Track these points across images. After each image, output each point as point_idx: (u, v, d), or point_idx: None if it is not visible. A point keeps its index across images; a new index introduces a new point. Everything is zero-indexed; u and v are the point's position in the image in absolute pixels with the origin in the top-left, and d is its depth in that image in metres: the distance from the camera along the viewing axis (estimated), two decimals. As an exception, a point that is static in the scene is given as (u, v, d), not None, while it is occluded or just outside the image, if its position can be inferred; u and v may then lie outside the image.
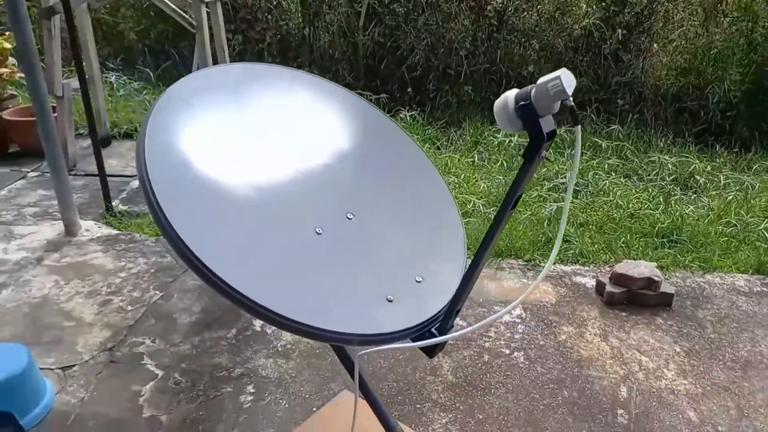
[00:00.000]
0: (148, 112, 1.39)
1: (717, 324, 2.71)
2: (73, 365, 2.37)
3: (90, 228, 3.46)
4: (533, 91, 1.07)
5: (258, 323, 2.60)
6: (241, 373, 2.33)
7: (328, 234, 1.46)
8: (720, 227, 3.49)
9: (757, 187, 4.10)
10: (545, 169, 4.10)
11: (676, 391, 2.30)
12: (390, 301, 1.42)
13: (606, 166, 4.33)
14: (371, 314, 1.37)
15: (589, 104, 5.15)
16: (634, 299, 2.79)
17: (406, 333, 1.38)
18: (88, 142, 4.72)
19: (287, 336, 2.51)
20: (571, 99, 1.03)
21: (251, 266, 1.30)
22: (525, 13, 5.53)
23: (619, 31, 5.13)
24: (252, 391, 2.24)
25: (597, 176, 4.13)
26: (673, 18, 5.45)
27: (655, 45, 5.35)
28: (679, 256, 3.21)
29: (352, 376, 1.60)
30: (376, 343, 1.34)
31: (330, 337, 1.29)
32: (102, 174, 3.60)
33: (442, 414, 2.17)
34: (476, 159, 4.32)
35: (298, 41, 5.83)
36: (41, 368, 2.28)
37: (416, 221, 1.66)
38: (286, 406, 2.18)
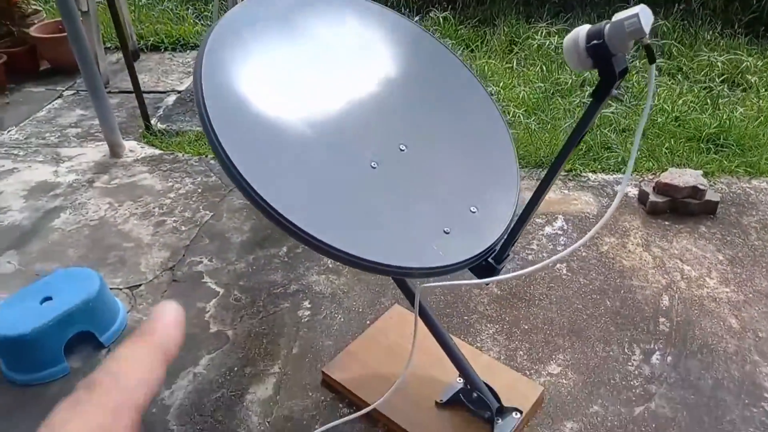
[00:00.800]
0: (200, 47, 1.38)
1: (761, 231, 2.71)
2: (140, 285, 2.52)
3: (134, 149, 3.53)
4: (607, 28, 1.02)
5: (307, 241, 2.70)
6: (297, 289, 2.46)
7: (383, 167, 1.48)
8: (770, 129, 3.39)
9: (811, 83, 3.90)
10: (588, 73, 3.95)
11: (717, 299, 2.36)
12: (447, 233, 1.46)
13: (650, 64, 4.14)
14: (430, 246, 1.42)
15: (634, -5, 4.83)
16: (678, 208, 2.79)
17: (465, 264, 1.44)
18: (116, 56, 4.69)
19: (336, 253, 2.61)
20: (648, 37, 0.99)
21: (313, 203, 1.35)
22: None
23: None
24: (308, 306, 2.38)
25: (641, 77, 3.97)
26: None
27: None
28: (725, 161, 3.15)
29: (412, 303, 1.69)
30: (438, 275, 1.41)
31: (393, 272, 1.35)
32: (138, 92, 3.60)
33: (489, 325, 2.28)
34: (514, 65, 4.17)
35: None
36: (110, 288, 2.44)
37: (467, 150, 1.66)
38: (342, 319, 2.31)
